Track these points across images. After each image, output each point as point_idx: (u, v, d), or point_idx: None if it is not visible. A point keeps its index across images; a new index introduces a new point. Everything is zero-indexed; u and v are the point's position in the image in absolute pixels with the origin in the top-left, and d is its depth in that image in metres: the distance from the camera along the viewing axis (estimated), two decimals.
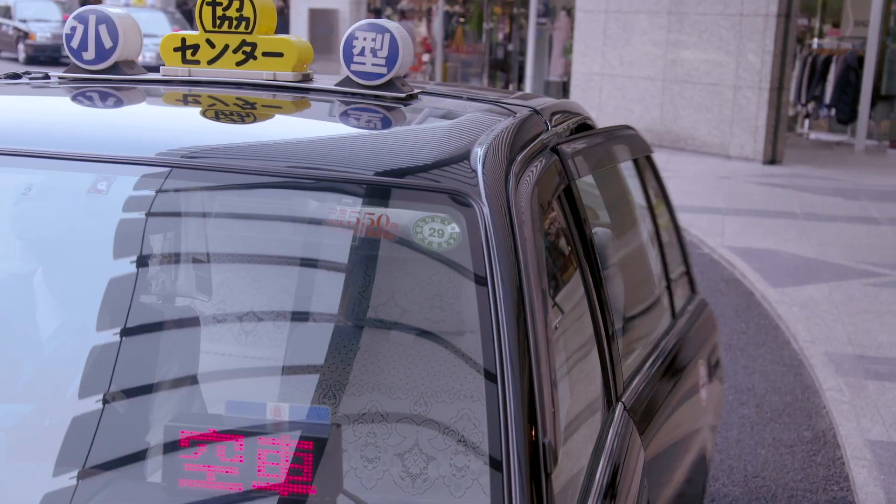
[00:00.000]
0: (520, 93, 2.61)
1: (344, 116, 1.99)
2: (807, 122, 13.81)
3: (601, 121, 12.94)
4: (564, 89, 15.47)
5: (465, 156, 1.68)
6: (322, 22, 18.79)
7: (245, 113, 2.05)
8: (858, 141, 12.50)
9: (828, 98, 12.65)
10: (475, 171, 1.64)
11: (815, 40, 13.55)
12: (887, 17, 12.44)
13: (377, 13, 19.38)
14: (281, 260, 1.94)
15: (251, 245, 1.95)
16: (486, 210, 1.58)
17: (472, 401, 1.64)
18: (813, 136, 13.74)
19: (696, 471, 2.78)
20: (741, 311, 6.06)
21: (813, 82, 12.77)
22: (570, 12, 15.77)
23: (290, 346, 1.85)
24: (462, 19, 19.55)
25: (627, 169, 2.87)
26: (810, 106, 13.17)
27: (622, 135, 2.75)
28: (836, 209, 8.83)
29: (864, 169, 11.17)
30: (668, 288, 2.87)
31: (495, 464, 1.47)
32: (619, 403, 2.03)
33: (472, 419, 1.64)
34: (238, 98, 2.05)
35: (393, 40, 1.99)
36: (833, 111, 12.79)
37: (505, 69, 18.35)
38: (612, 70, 13.24)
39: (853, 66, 12.37)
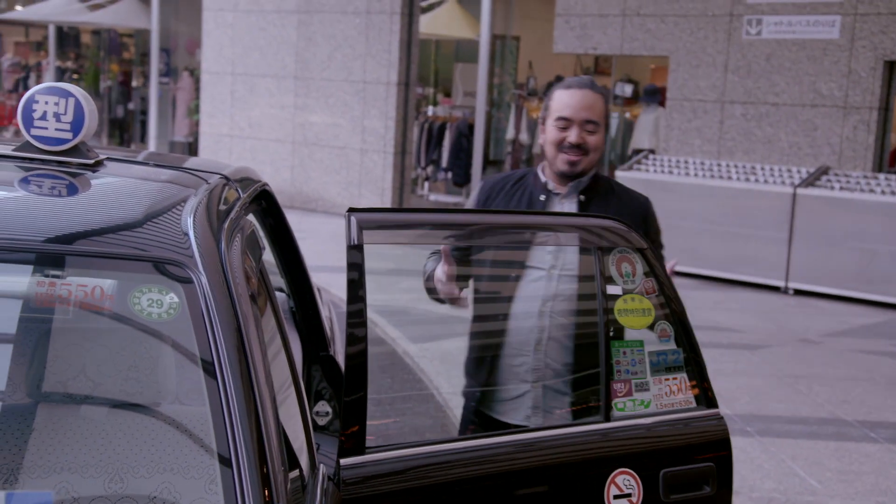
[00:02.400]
0: (199, 159, 2.58)
1: (28, 184, 1.87)
2: (426, 184, 14.67)
3: None
4: (191, 150, 15.28)
5: (175, 224, 1.66)
6: None
7: None
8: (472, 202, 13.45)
9: (444, 162, 13.54)
10: (189, 239, 1.61)
11: (431, 108, 14.49)
12: (491, 89, 13.61)
13: None
14: None
15: None
16: (203, 279, 1.56)
17: (172, 473, 1.60)
18: (433, 197, 14.62)
19: None
20: (386, 368, 6.30)
21: (430, 147, 13.63)
22: (193, 73, 15.65)
23: None
24: (76, 76, 18.71)
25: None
26: (429, 169, 14.02)
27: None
28: None
29: None
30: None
31: None
32: (321, 466, 2.05)
33: (173, 492, 1.59)
34: None
35: (78, 105, 1.91)
36: (449, 174, 13.70)
37: (125, 128, 17.77)
38: (242, 132, 13.29)
39: (465, 133, 13.36)
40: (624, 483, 2.33)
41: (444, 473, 2.15)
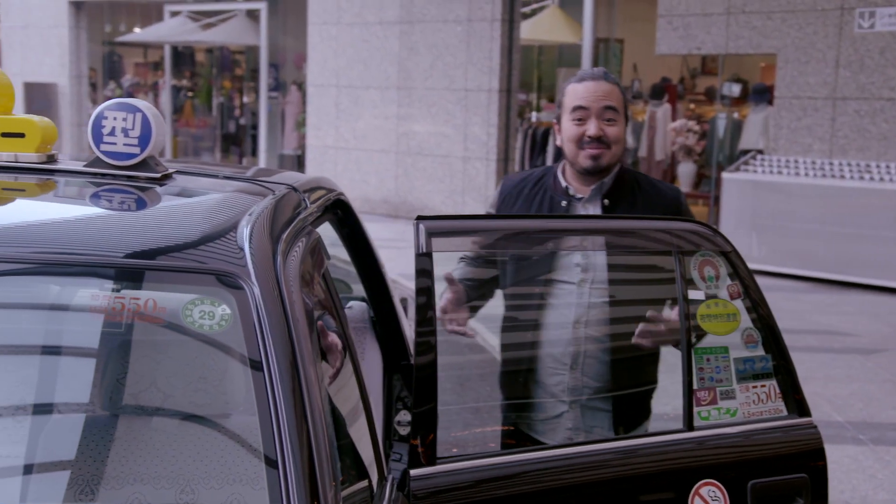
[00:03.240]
0: (273, 170, 2.60)
1: (97, 198, 1.91)
2: None
3: None
4: (299, 162, 15.56)
5: (230, 235, 1.66)
6: (39, 96, 17.92)
7: None
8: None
9: None
10: (243, 251, 1.62)
11: (534, 114, 14.42)
12: None
13: (95, 87, 18.75)
14: (31, 350, 1.82)
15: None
16: (256, 290, 1.56)
17: (241, 485, 1.60)
18: None
19: None
20: (486, 376, 6.27)
21: (535, 153, 13.55)
22: (300, 86, 15.94)
23: (38, 441, 1.73)
24: (190, 93, 19.25)
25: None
26: None
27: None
28: None
29: None
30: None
31: None
32: (390, 477, 2.04)
33: None
34: None
35: (145, 119, 1.95)
36: None
37: (237, 143, 18.21)
38: (347, 143, 13.47)
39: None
40: (709, 494, 2.25)
41: (518, 485, 2.11)
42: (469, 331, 2.54)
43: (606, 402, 2.62)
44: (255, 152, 17.21)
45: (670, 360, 2.60)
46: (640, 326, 2.48)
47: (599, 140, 2.57)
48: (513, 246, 2.53)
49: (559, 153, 2.73)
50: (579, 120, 2.58)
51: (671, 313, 2.45)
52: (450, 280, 2.43)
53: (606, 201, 2.62)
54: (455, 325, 2.46)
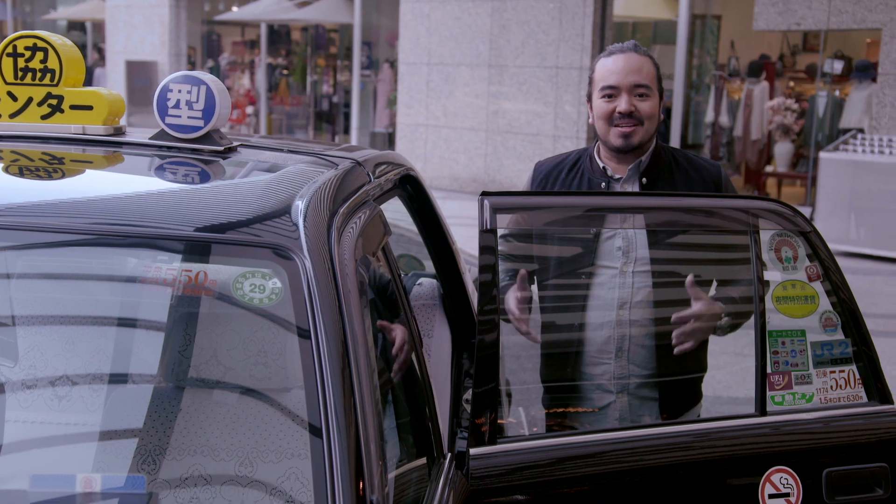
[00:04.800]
0: (343, 145, 2.60)
1: (159, 170, 1.93)
2: None
3: (427, 171, 12.78)
4: (390, 140, 15.63)
5: (285, 209, 1.66)
6: (140, 74, 18.37)
7: (52, 168, 1.96)
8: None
9: None
10: (296, 225, 1.61)
11: None
12: (690, 71, 13.17)
13: (194, 66, 19.09)
14: (95, 320, 1.85)
15: (62, 306, 1.85)
16: (307, 263, 1.55)
17: (299, 459, 1.61)
18: None
19: None
20: None
21: None
22: (392, 64, 15.99)
23: (107, 410, 1.76)
24: (286, 71, 19.49)
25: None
26: None
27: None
28: None
29: None
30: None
31: None
32: (448, 454, 2.02)
33: (299, 478, 1.60)
34: (44, 153, 1.96)
35: (209, 93, 1.95)
36: None
37: (330, 121, 18.38)
38: (437, 121, 13.47)
39: (662, 117, 12.96)
40: (781, 481, 2.18)
41: (579, 468, 2.07)
42: (537, 336, 2.50)
43: (654, 390, 2.53)
44: (347, 130, 17.35)
45: (744, 342, 2.52)
46: (675, 335, 2.39)
47: (631, 115, 2.47)
48: (581, 223, 2.47)
49: None
50: (609, 96, 2.50)
51: (697, 305, 2.37)
52: (522, 279, 2.37)
53: (645, 180, 2.53)
54: (526, 325, 2.38)
